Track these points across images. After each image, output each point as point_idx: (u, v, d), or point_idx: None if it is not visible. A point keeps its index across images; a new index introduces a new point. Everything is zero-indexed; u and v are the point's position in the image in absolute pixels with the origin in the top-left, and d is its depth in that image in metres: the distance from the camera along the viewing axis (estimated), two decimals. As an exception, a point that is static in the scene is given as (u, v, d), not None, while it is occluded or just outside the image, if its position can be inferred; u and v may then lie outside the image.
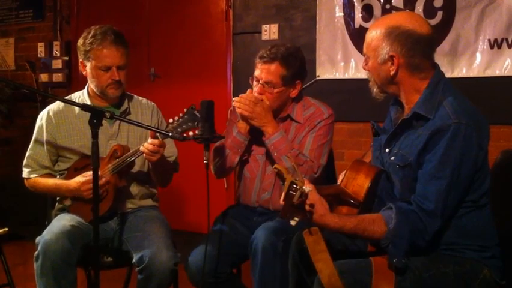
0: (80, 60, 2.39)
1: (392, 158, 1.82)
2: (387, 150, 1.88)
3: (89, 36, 2.33)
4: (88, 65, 2.35)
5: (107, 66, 2.32)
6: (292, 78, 2.32)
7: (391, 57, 1.76)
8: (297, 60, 2.33)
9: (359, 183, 1.81)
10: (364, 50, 1.86)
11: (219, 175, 2.48)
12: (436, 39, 1.83)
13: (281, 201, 1.62)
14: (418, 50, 1.75)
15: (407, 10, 3.49)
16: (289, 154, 2.25)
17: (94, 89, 2.40)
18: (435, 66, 1.81)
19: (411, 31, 1.74)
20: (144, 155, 2.20)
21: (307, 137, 2.36)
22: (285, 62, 2.29)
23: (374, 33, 1.80)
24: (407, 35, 1.74)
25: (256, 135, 2.38)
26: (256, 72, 2.34)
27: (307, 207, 1.60)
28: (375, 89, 1.87)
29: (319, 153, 2.33)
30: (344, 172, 1.92)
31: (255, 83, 2.36)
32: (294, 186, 1.55)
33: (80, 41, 2.38)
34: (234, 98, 2.35)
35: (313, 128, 2.36)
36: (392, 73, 1.78)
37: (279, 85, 2.31)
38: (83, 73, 2.41)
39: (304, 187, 1.54)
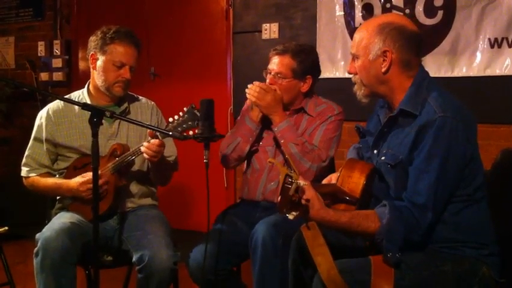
0: (92, 52, 2.38)
1: (383, 158, 1.82)
2: (375, 151, 1.89)
3: (111, 31, 2.35)
4: (101, 58, 2.35)
5: (123, 63, 2.34)
6: (302, 72, 2.41)
7: (384, 53, 1.76)
8: (308, 57, 2.44)
9: (354, 181, 1.83)
10: (353, 50, 1.85)
11: (228, 165, 2.54)
12: (424, 39, 1.84)
13: (277, 195, 1.62)
14: (409, 46, 1.77)
15: (407, 10, 3.50)
16: (296, 141, 2.32)
17: (100, 85, 2.39)
18: (420, 65, 1.82)
19: (403, 27, 1.76)
20: (145, 155, 2.21)
21: (318, 129, 2.43)
22: (295, 56, 2.39)
23: (365, 33, 1.80)
24: (400, 30, 1.76)
25: (267, 127, 2.44)
26: (269, 65, 2.44)
27: (303, 202, 1.61)
28: (362, 91, 1.86)
29: (328, 145, 2.40)
30: (339, 170, 1.93)
31: (268, 75, 2.44)
32: (290, 179, 1.56)
33: (98, 34, 2.37)
34: (248, 85, 2.41)
35: (324, 121, 2.43)
36: (383, 69, 1.78)
37: (289, 77, 2.39)
38: (91, 66, 2.40)
39: (299, 180, 1.55)
